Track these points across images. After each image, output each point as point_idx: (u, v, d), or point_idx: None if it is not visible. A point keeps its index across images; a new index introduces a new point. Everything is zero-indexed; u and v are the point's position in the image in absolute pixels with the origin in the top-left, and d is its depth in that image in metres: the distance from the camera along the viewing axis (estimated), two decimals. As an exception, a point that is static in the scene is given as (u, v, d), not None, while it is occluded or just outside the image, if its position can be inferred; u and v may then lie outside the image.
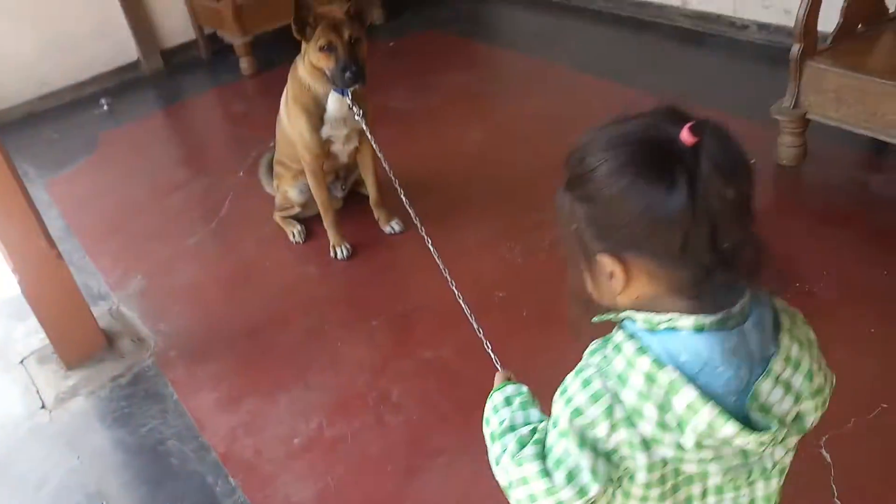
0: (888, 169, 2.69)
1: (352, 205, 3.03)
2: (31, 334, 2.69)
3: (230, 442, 2.13)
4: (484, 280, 2.48)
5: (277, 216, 3.02)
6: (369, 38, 2.52)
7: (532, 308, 2.35)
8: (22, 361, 2.59)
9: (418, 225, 2.08)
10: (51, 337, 2.42)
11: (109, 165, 3.87)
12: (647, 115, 0.83)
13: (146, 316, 2.67)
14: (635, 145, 0.80)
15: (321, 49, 2.39)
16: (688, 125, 0.76)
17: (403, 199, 2.17)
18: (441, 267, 1.97)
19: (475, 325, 1.77)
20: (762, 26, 3.68)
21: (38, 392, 2.45)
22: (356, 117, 2.45)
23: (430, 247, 2.02)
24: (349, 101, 2.45)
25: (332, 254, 2.80)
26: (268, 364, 2.37)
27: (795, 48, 2.48)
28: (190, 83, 4.76)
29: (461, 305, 2.19)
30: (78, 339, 2.46)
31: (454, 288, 1.91)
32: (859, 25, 2.63)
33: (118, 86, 4.79)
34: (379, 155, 2.30)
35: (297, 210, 2.94)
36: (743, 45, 3.76)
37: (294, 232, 2.93)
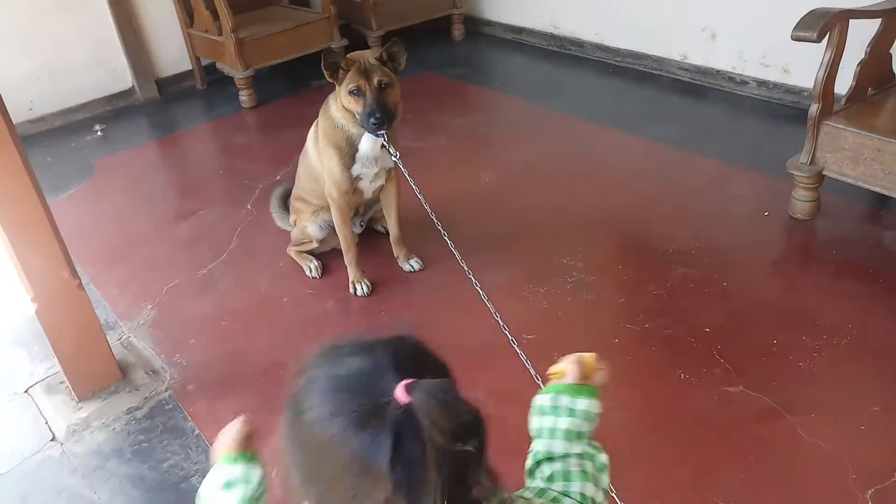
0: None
1: (367, 241, 3.01)
2: (35, 362, 2.60)
3: (259, 481, 2.06)
4: (510, 322, 2.47)
5: (292, 250, 2.99)
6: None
7: (564, 351, 2.34)
8: (27, 390, 2.49)
9: (459, 258, 2.09)
10: (64, 366, 2.33)
11: (107, 192, 3.80)
12: (370, 354, 0.79)
13: (160, 347, 2.60)
14: (348, 395, 0.77)
15: (350, 93, 2.41)
16: (404, 384, 0.74)
17: (444, 234, 2.17)
18: (486, 302, 1.99)
19: (530, 368, 1.78)
20: (761, 83, 3.82)
21: (47, 423, 2.35)
22: (392, 158, 2.46)
23: (474, 283, 2.04)
24: (384, 142, 2.46)
25: (351, 290, 2.77)
26: (293, 401, 2.31)
27: (814, 108, 2.58)
28: (186, 113, 4.72)
29: (488, 346, 2.20)
30: (92, 370, 2.37)
31: (501, 322, 1.93)
32: (869, 89, 2.75)
33: (111, 113, 4.74)
34: (418, 196, 2.30)
35: (314, 245, 2.91)
36: (742, 99, 3.90)
37: (311, 267, 2.90)
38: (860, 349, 2.24)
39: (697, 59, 4.10)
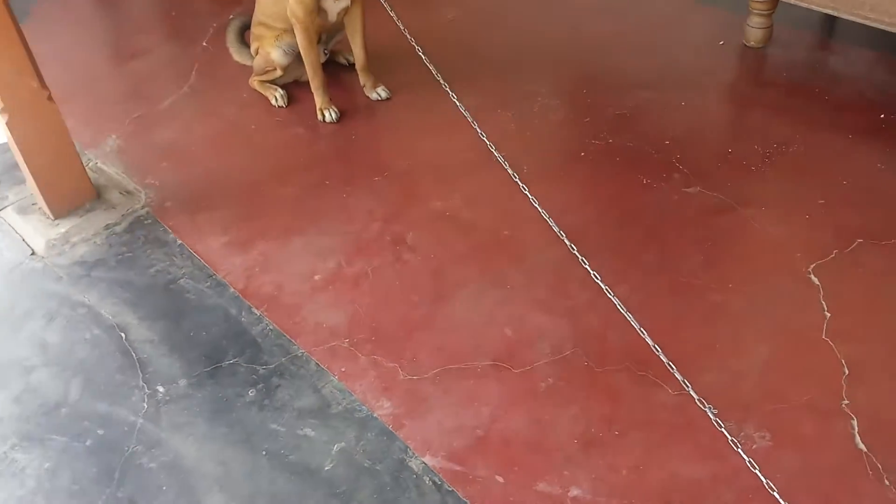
0: (841, 50, 2.95)
1: (330, 75, 2.99)
2: (4, 189, 2.56)
3: (247, 279, 2.15)
4: (482, 142, 2.56)
5: (255, 81, 2.96)
6: None
7: (532, 165, 2.46)
8: (-2, 213, 2.47)
9: (441, 81, 2.14)
10: (38, 183, 2.31)
11: (49, 33, 3.62)
12: None
13: (130, 171, 2.59)
14: None
15: None
16: None
17: (422, 55, 2.20)
18: (469, 119, 2.06)
19: (505, 166, 1.88)
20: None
21: (23, 240, 2.35)
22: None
23: (454, 99, 2.10)
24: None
25: (319, 117, 2.78)
26: (274, 213, 2.38)
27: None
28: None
29: (463, 163, 2.26)
30: (66, 187, 2.36)
31: (480, 131, 2.00)
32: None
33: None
34: (393, 16, 2.29)
35: (278, 73, 2.88)
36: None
37: (276, 96, 2.89)
38: (807, 155, 2.42)
39: None
